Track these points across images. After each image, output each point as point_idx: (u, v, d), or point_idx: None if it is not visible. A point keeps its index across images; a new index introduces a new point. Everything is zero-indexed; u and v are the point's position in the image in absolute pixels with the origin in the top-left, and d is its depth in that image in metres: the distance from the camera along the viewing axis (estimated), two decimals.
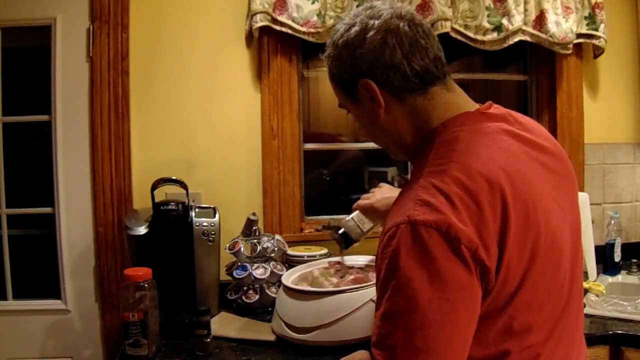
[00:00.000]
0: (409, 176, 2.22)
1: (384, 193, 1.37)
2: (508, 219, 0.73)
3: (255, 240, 1.71)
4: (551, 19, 1.97)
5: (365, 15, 0.87)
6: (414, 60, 0.84)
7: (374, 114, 0.88)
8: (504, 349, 0.77)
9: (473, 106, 0.88)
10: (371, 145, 2.20)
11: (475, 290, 0.72)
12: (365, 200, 1.41)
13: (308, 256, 1.77)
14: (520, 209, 0.75)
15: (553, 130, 2.14)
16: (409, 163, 2.19)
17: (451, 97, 0.88)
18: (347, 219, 1.45)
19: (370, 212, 1.39)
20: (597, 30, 2.05)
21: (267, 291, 1.67)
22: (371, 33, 0.85)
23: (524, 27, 1.97)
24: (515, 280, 0.75)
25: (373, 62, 0.85)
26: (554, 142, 0.92)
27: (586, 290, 1.73)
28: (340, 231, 1.45)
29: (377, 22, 0.85)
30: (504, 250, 0.73)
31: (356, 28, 0.87)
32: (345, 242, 1.46)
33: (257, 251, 1.68)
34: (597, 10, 2.04)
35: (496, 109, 0.89)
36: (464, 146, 0.80)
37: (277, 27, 1.83)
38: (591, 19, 2.05)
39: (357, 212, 1.43)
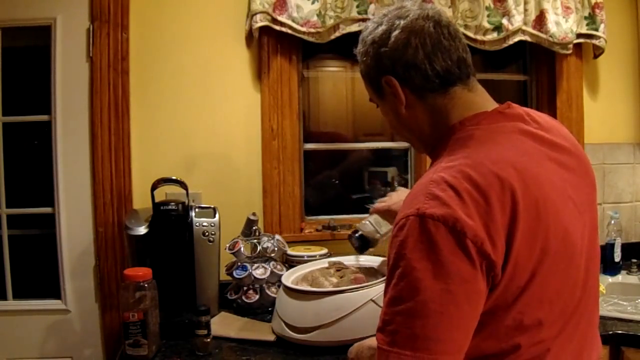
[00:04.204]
0: (409, 176, 2.23)
1: (400, 195, 1.42)
2: (517, 216, 0.75)
3: (255, 240, 1.71)
4: (551, 19, 1.97)
5: (394, 15, 0.91)
6: (436, 60, 0.87)
7: (397, 109, 0.92)
8: (514, 343, 0.78)
9: (492, 106, 0.91)
10: (371, 145, 2.21)
11: (479, 284, 0.73)
12: (381, 203, 1.45)
13: (308, 256, 1.77)
14: (530, 207, 0.76)
15: None
16: (409, 164, 2.22)
17: (472, 97, 0.90)
18: (364, 222, 1.46)
19: (387, 214, 1.43)
20: (597, 30, 2.05)
21: (267, 291, 1.67)
22: (396, 32, 0.88)
23: (524, 27, 1.97)
24: (524, 276, 0.76)
25: (396, 61, 0.88)
26: (573, 140, 0.94)
27: None
28: (358, 234, 1.45)
29: (403, 22, 0.89)
30: (512, 245, 0.74)
31: (383, 27, 0.91)
32: (363, 245, 1.46)
33: (257, 251, 1.68)
34: (597, 10, 2.04)
35: (514, 108, 0.91)
36: (477, 144, 0.83)
37: (277, 27, 1.83)
38: (591, 19, 2.05)
39: (374, 215, 1.45)
